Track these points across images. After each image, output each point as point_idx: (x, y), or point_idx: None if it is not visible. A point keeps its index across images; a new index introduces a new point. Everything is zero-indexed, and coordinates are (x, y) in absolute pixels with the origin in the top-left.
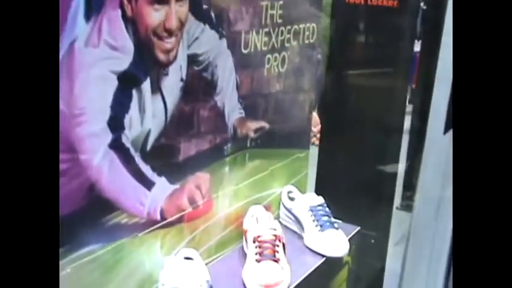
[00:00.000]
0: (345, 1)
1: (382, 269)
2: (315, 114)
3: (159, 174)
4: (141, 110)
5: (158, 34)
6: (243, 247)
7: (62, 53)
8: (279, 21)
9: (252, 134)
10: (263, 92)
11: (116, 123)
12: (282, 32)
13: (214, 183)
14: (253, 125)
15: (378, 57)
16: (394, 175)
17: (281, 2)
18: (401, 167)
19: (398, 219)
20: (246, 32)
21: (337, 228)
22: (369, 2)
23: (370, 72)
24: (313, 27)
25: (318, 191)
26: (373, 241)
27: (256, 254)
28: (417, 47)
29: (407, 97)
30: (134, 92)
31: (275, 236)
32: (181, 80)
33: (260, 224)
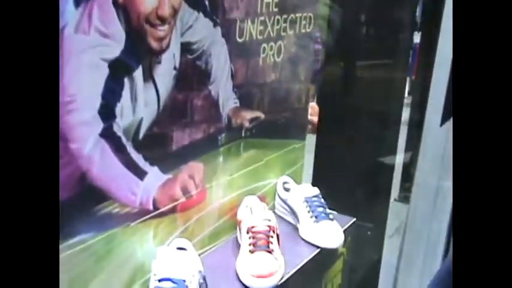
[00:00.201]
0: None
1: (379, 261)
2: (314, 104)
3: (152, 163)
4: (133, 98)
5: (151, 21)
6: (237, 238)
7: None
8: (275, 9)
9: (247, 124)
10: (258, 82)
11: (107, 112)
12: (278, 20)
13: (208, 173)
14: (248, 114)
15: (376, 48)
16: (392, 167)
17: None
18: (399, 158)
19: (394, 210)
20: (241, 20)
21: (332, 220)
22: None
23: (368, 64)
24: (310, 16)
25: (315, 182)
26: (369, 233)
27: (249, 244)
28: (417, 38)
29: (407, 89)
30: (126, 80)
31: (269, 226)
32: (175, 68)
33: (254, 214)
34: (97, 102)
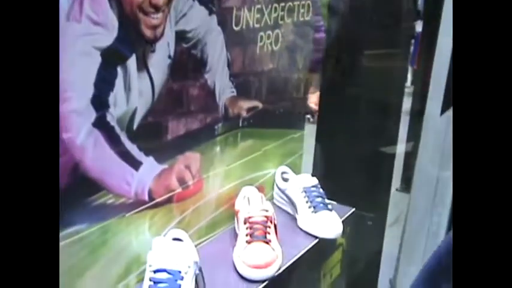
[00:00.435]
0: None
1: (379, 251)
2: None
3: (147, 153)
4: (127, 87)
5: (144, 9)
6: (235, 228)
7: None
8: None
9: (244, 114)
10: (256, 71)
11: (100, 101)
12: (275, 8)
13: (205, 163)
14: (245, 104)
15: (377, 37)
16: (393, 156)
17: None
18: (400, 148)
19: (395, 200)
20: (237, 8)
21: (330, 210)
22: None
23: (368, 53)
24: (308, 4)
25: (315, 172)
26: (370, 223)
27: (246, 235)
28: (420, 27)
29: (410, 78)
30: (119, 69)
31: (266, 217)
32: (169, 57)
33: (252, 205)
34: (89, 91)
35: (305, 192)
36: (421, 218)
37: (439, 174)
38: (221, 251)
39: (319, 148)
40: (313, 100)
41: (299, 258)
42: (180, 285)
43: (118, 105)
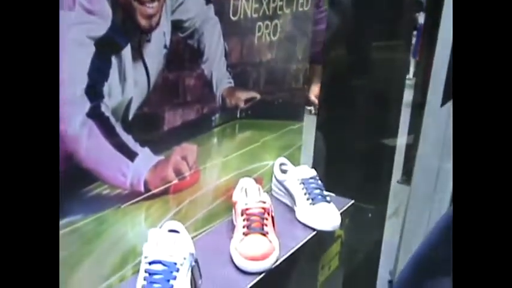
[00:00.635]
0: None
1: (379, 242)
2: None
3: (142, 144)
4: (122, 77)
5: None
6: (232, 220)
7: None
8: None
9: (242, 105)
10: (254, 61)
11: (94, 91)
12: None
13: (202, 154)
14: (243, 95)
15: (378, 28)
16: (394, 148)
17: None
18: (401, 140)
19: (394, 192)
20: None
21: (329, 202)
22: None
23: (371, 44)
24: None
25: (315, 164)
26: (370, 215)
27: (244, 227)
28: (422, 18)
29: (412, 70)
30: (114, 59)
31: (263, 208)
32: (165, 47)
33: (249, 196)
34: (84, 81)
35: (303, 184)
36: (421, 209)
37: (440, 166)
38: (218, 242)
39: (320, 140)
40: (314, 92)
41: (297, 250)
42: (175, 277)
43: (113, 96)
